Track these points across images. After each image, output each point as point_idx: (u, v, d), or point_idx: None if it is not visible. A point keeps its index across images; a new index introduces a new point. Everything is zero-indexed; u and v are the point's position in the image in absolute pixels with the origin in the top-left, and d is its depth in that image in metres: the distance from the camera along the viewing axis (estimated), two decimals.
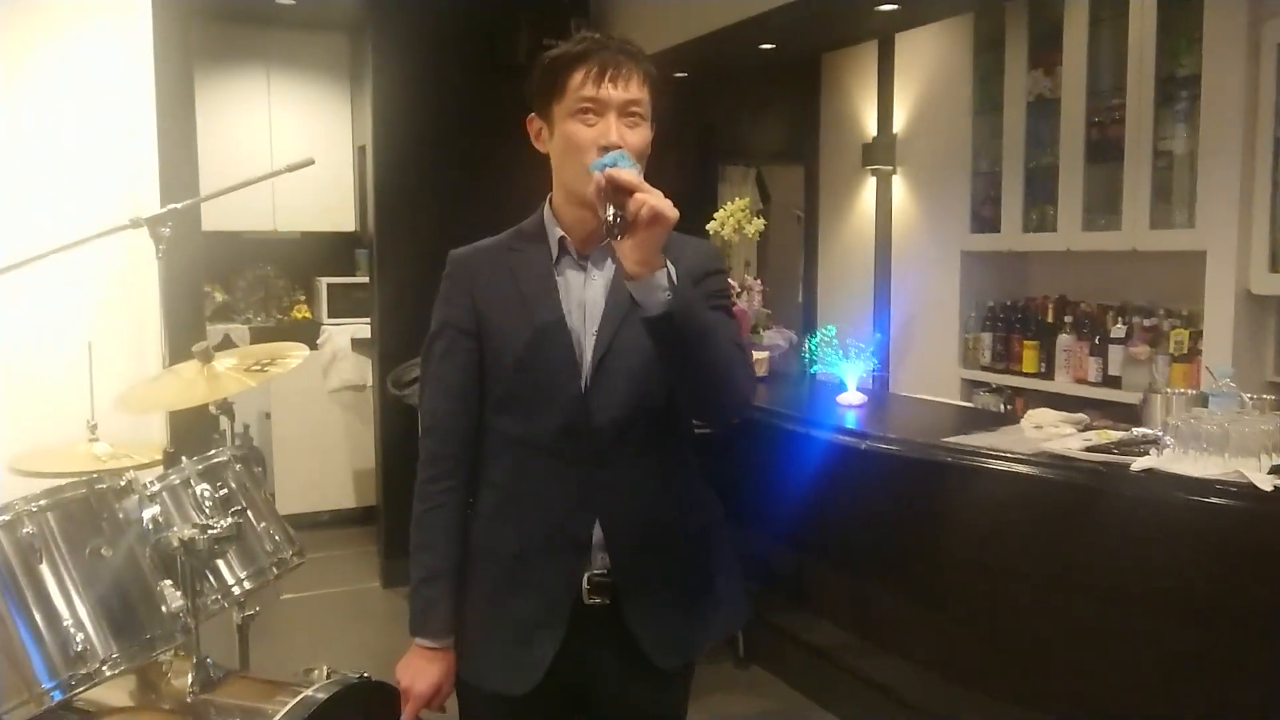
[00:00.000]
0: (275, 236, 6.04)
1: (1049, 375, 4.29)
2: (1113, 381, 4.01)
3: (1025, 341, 4.40)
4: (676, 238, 1.64)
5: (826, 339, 3.54)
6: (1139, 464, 2.48)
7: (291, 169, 2.71)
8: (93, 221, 2.45)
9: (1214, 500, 2.32)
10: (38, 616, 1.54)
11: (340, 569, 5.09)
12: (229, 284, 6.11)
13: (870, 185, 5.25)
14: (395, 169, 4.66)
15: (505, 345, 1.59)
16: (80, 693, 1.57)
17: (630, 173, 1.40)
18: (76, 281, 2.75)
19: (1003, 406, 4.40)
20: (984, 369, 4.61)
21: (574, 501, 1.57)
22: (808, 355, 3.62)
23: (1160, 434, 2.56)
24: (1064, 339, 4.22)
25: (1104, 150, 3.98)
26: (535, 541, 1.58)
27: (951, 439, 2.90)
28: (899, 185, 5.09)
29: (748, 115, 5.64)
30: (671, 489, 1.65)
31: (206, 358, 2.29)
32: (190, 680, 1.80)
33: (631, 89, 1.55)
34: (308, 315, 6.15)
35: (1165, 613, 2.58)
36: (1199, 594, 2.52)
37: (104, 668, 1.57)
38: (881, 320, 5.19)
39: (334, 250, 6.20)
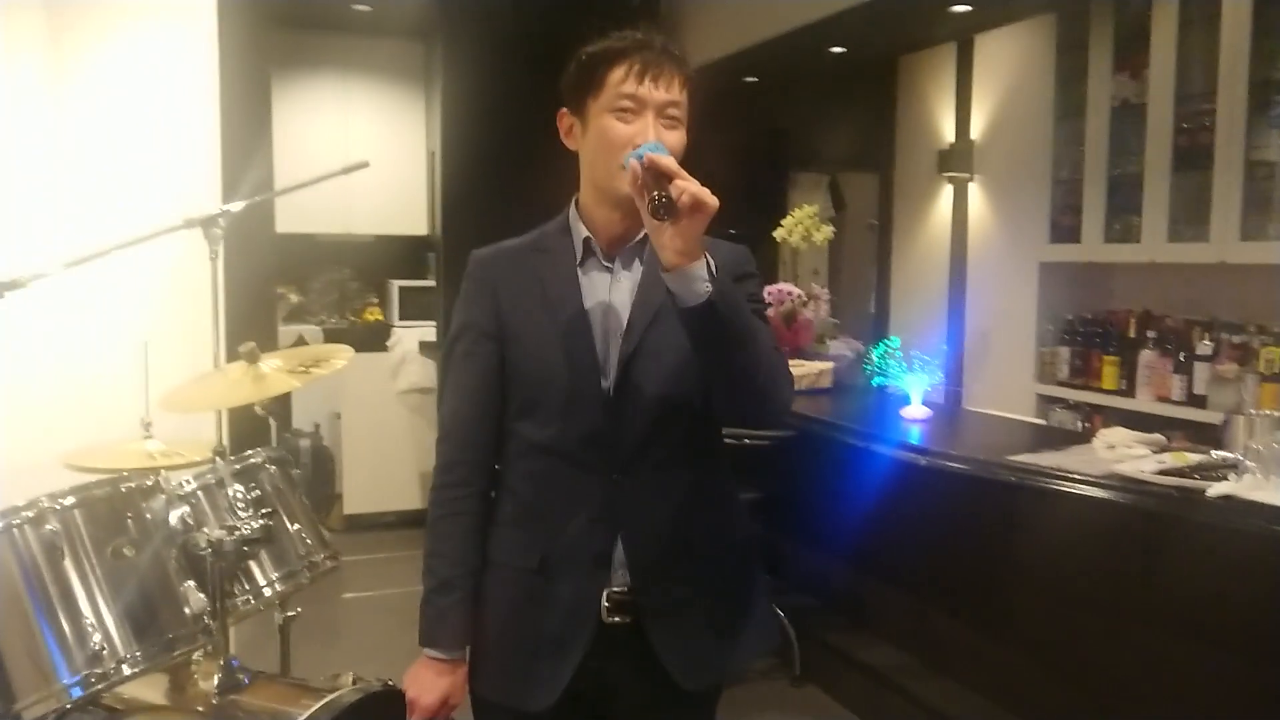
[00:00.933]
0: (349, 239, 6.13)
1: (1129, 393, 4.09)
2: (1197, 401, 3.80)
3: (1105, 357, 4.21)
4: (709, 241, 1.58)
5: (890, 351, 3.42)
6: (1215, 490, 2.33)
7: (346, 171, 2.72)
8: (155, 222, 2.49)
9: None
10: (60, 613, 1.55)
11: (403, 570, 5.12)
12: (303, 286, 6.22)
13: (946, 193, 5.09)
14: (462, 173, 4.68)
15: (527, 348, 1.55)
16: (100, 690, 1.57)
17: (670, 159, 1.37)
18: (135, 281, 2.80)
19: (1079, 424, 4.21)
20: (1061, 384, 4.42)
21: (595, 513, 1.52)
22: (871, 367, 3.51)
23: (1241, 458, 2.41)
24: (1146, 355, 4.02)
25: (1192, 158, 3.79)
26: (555, 554, 1.53)
27: (1017, 458, 2.78)
28: (975, 193, 4.93)
29: (821, 121, 5.54)
30: (700, 503, 1.58)
31: (253, 358, 2.30)
32: (216, 682, 1.78)
33: (673, 90, 1.50)
34: (379, 317, 6.23)
35: (1242, 650, 2.42)
36: (1272, 628, 2.36)
37: (123, 666, 1.57)
38: (955, 332, 5.03)
39: (406, 253, 6.28)
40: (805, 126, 5.46)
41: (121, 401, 2.65)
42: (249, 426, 2.84)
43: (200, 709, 1.79)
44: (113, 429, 2.66)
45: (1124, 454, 2.73)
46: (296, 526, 1.99)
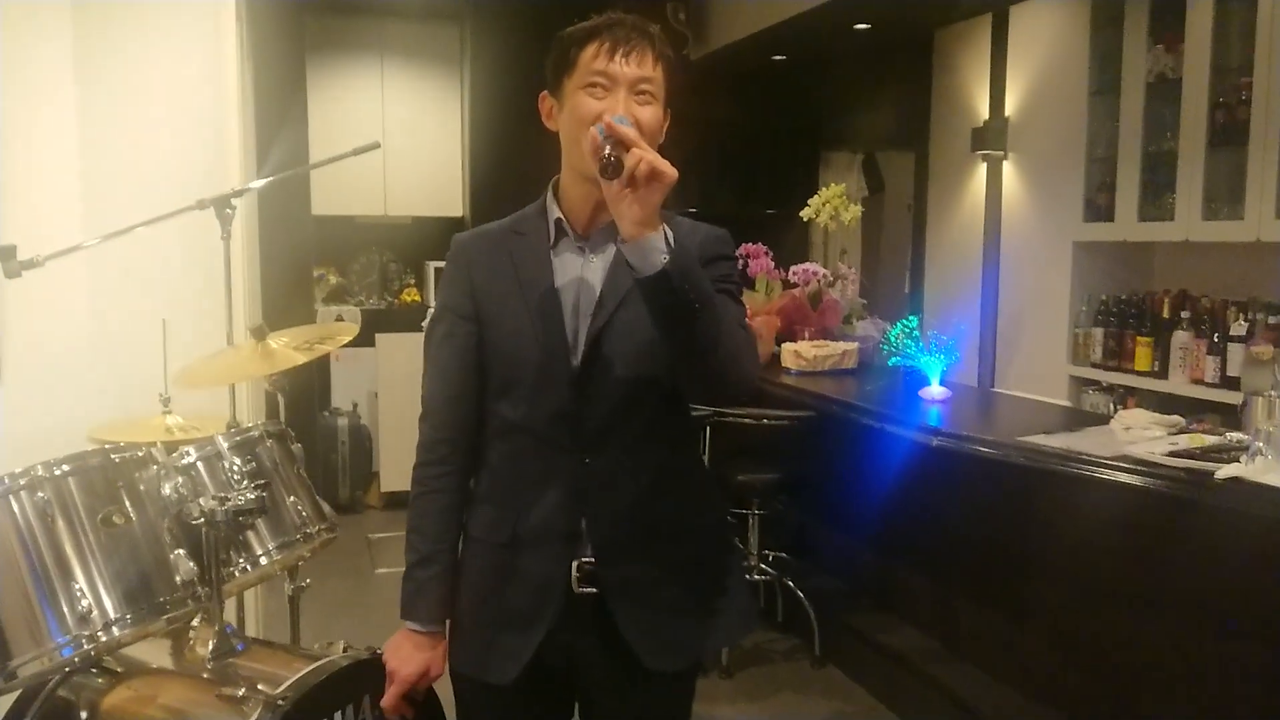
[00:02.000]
0: (387, 221, 6.21)
1: (1163, 374, 4.01)
2: (1231, 383, 3.71)
3: (1139, 338, 4.12)
4: (688, 223, 1.60)
5: (908, 331, 3.39)
6: (1223, 472, 2.28)
7: (357, 152, 2.76)
8: (177, 203, 2.56)
9: None
10: (53, 576, 1.61)
11: None
12: (343, 267, 6.32)
13: (981, 171, 5.01)
14: (491, 156, 4.72)
15: (502, 329, 1.57)
16: (89, 650, 1.63)
17: (630, 130, 1.37)
18: (156, 260, 2.87)
19: (1112, 407, 4.14)
20: (1094, 366, 4.34)
21: (564, 491, 1.54)
22: (888, 348, 3.48)
23: (1253, 440, 2.35)
24: (1180, 336, 3.93)
25: (1229, 134, 3.69)
26: (526, 530, 1.55)
27: (1029, 439, 2.74)
28: (1010, 171, 4.85)
29: (854, 99, 5.47)
30: (668, 483, 1.59)
31: (260, 335, 2.35)
32: (211, 647, 1.84)
33: (645, 67, 1.51)
34: (417, 298, 6.31)
35: (1256, 635, 2.37)
36: None
37: (113, 628, 1.63)
38: (988, 313, 4.96)
39: (443, 235, 6.24)
40: (838, 105, 5.40)
41: (144, 378, 2.74)
42: (301, 402, 2.90)
43: (196, 672, 1.85)
44: (136, 404, 2.74)
45: (1138, 436, 2.68)
46: (293, 499, 2.04)
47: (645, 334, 1.47)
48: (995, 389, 4.74)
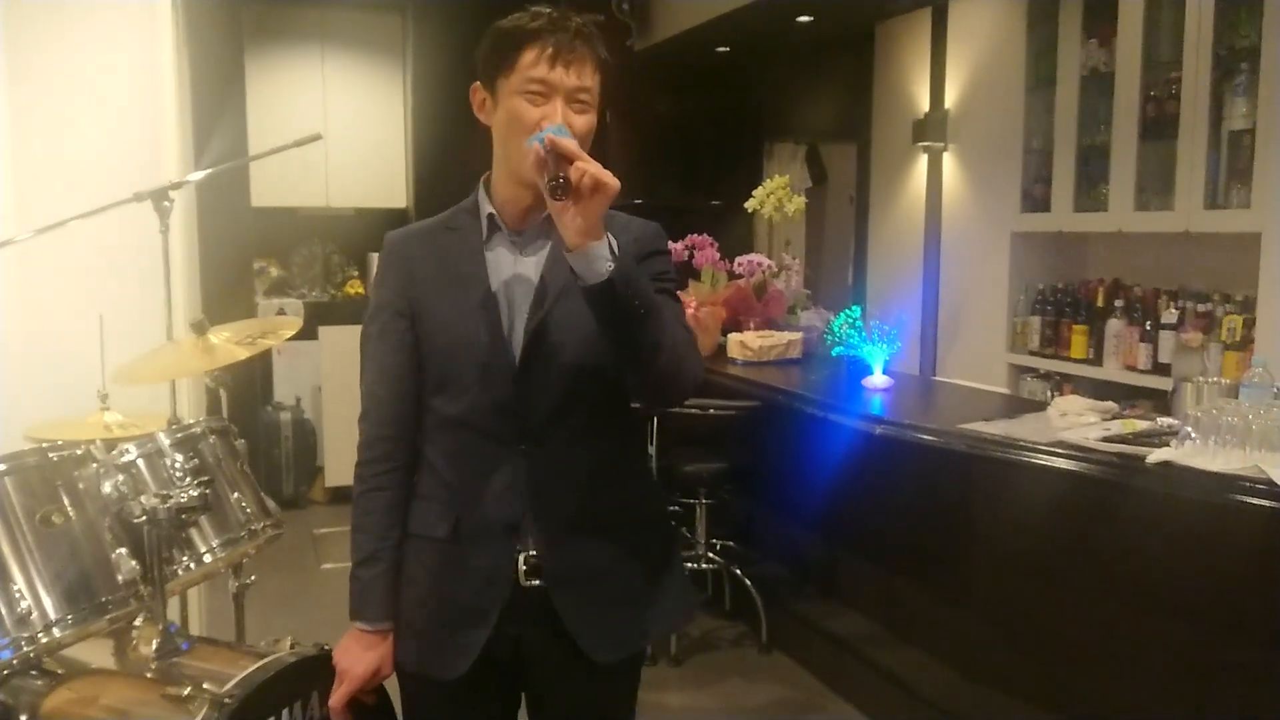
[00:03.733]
0: (329, 213, 6.13)
1: (1098, 361, 4.11)
2: (1163, 369, 3.81)
3: (1075, 326, 4.22)
4: (621, 217, 1.60)
5: (850, 321, 3.44)
6: (1154, 456, 2.35)
7: (298, 144, 2.73)
8: (113, 196, 2.51)
9: (1233, 497, 2.19)
10: None
11: None
12: (285, 260, 6.23)
13: (922, 163, 5.09)
14: (434, 146, 4.69)
15: (438, 325, 1.56)
16: (29, 652, 1.60)
17: (571, 142, 1.38)
18: (93, 255, 2.81)
19: (1049, 394, 4.23)
20: (1032, 354, 4.44)
21: (506, 485, 1.54)
22: (831, 337, 3.53)
23: (1182, 425, 2.43)
24: (1114, 324, 4.04)
25: (1159, 126, 3.78)
26: (468, 523, 1.55)
27: (968, 426, 2.80)
28: (950, 163, 4.93)
29: (798, 91, 5.52)
30: (609, 477, 1.60)
31: (201, 330, 2.32)
32: (155, 646, 1.82)
33: (584, 76, 1.51)
34: (360, 290, 6.24)
35: (1185, 614, 2.45)
36: (1218, 595, 2.39)
37: (54, 630, 1.61)
38: (929, 303, 5.04)
39: (386, 226, 6.14)
40: (781, 97, 5.44)
41: (81, 375, 2.69)
42: (245, 397, 2.85)
43: (140, 672, 1.82)
44: (74, 402, 2.69)
45: (1074, 422, 2.75)
46: (237, 495, 2.02)
47: (583, 328, 1.48)
48: (936, 377, 4.82)
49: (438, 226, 1.64)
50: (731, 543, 4.03)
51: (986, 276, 4.65)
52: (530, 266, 1.57)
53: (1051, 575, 2.79)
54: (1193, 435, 2.36)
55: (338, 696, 1.59)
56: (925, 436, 2.84)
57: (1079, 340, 4.19)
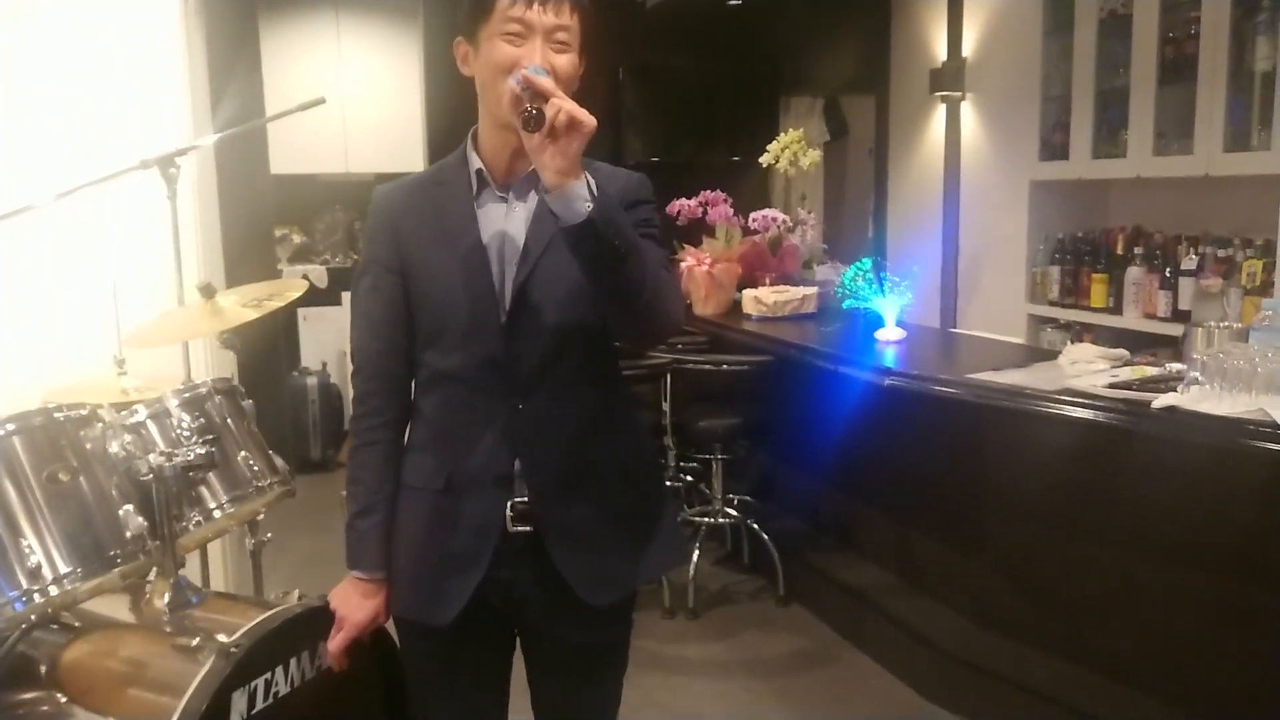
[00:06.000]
0: (348, 179, 6.17)
1: (1117, 310, 4.07)
2: (1183, 316, 3.77)
3: (1094, 275, 4.18)
4: (607, 169, 1.61)
5: (861, 273, 3.43)
6: (1160, 401, 2.34)
7: (302, 108, 2.73)
8: (125, 163, 2.54)
9: (1238, 440, 2.17)
10: (1, 533, 1.63)
11: None
12: (307, 226, 6.29)
13: (940, 113, 5.02)
14: (450, 109, 4.68)
15: (427, 280, 1.58)
16: (42, 604, 1.66)
17: (547, 79, 1.39)
18: (106, 220, 2.86)
19: (1069, 344, 4.20)
20: (1051, 304, 4.40)
21: (497, 436, 1.56)
22: (842, 290, 3.52)
23: (1188, 369, 2.41)
24: (1134, 271, 3.99)
25: (1178, 69, 3.71)
26: (460, 475, 1.58)
27: (977, 375, 2.79)
28: (968, 113, 4.86)
29: (814, 43, 5.45)
30: (597, 426, 1.62)
31: (209, 293, 2.36)
32: (166, 599, 1.88)
33: (562, 15, 1.50)
34: None
35: (1194, 559, 2.45)
36: (1227, 540, 2.38)
37: (64, 582, 1.66)
38: (948, 254, 5.00)
39: None
40: (797, 50, 5.37)
41: (98, 341, 2.75)
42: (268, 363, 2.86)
43: (153, 624, 1.88)
44: (92, 368, 2.75)
45: (1083, 370, 2.74)
46: (244, 453, 2.06)
47: (571, 280, 1.49)
48: (956, 329, 4.79)
49: (427, 181, 1.66)
50: (749, 498, 4.05)
51: (1005, 227, 4.61)
52: (518, 221, 1.58)
53: (1062, 523, 2.78)
54: (1200, 379, 2.35)
55: (336, 642, 1.64)
56: (933, 387, 2.83)
57: (1098, 289, 4.15)
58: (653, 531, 1.67)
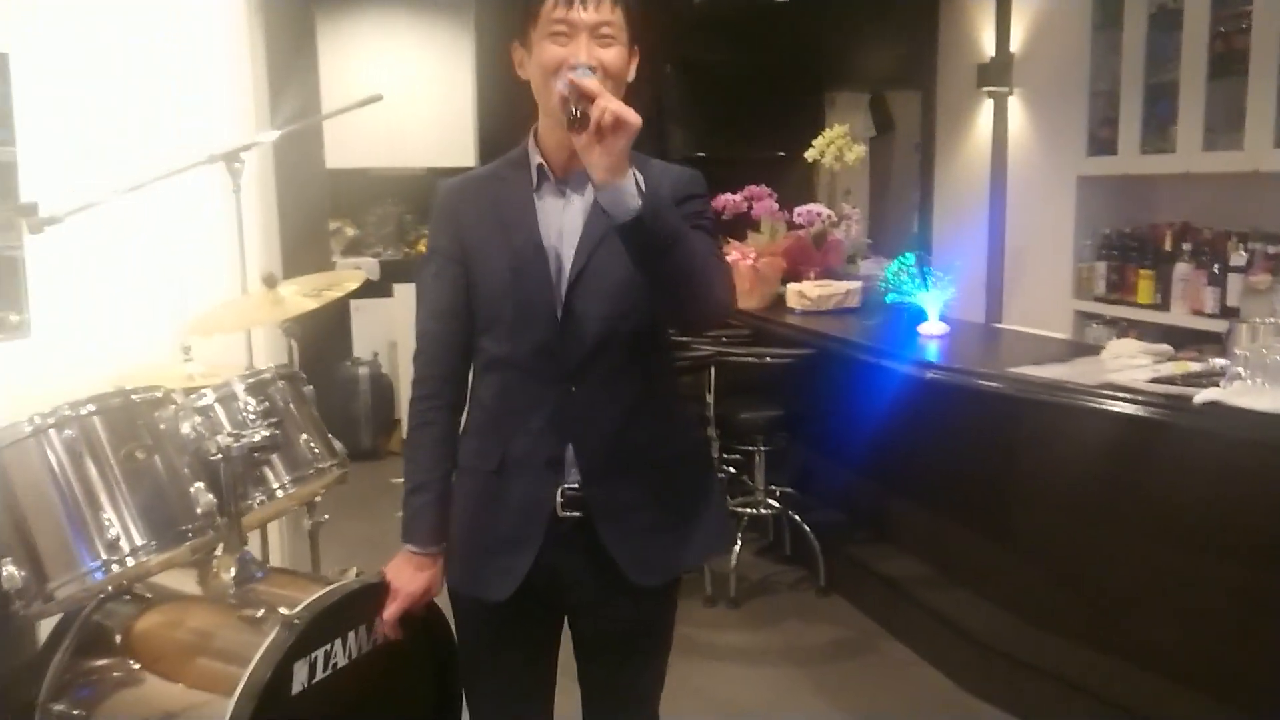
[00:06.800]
0: (400, 173, 6.30)
1: (1164, 307, 4.05)
2: (1231, 313, 3.74)
3: (1141, 271, 4.16)
4: (661, 165, 1.67)
5: (904, 268, 3.46)
6: (1201, 396, 2.35)
7: (360, 105, 2.85)
8: (192, 158, 2.65)
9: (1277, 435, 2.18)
10: (82, 507, 1.75)
11: None
12: (359, 219, 6.42)
13: (987, 109, 5.02)
14: (500, 105, 4.77)
15: (488, 269, 1.65)
16: (119, 574, 1.77)
17: (592, 80, 1.44)
18: (175, 213, 2.97)
19: (1111, 340, 4.19)
20: (1098, 300, 4.39)
21: (548, 420, 1.63)
22: (885, 285, 3.55)
23: (1230, 364, 2.42)
24: (1181, 268, 3.97)
25: (1228, 63, 3.68)
26: (513, 458, 1.65)
27: (1017, 369, 2.82)
28: (1016, 108, 4.85)
29: (859, 38, 5.46)
30: (646, 412, 1.68)
31: (271, 283, 2.46)
32: (233, 573, 1.98)
33: (603, 11, 1.56)
34: None
35: (1232, 554, 2.46)
36: (1266, 535, 2.39)
37: (139, 554, 1.77)
38: (995, 249, 5.00)
39: None
40: (843, 45, 5.39)
41: (166, 329, 2.87)
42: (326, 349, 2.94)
43: (220, 597, 1.98)
44: (160, 354, 2.87)
45: (1125, 364, 2.75)
46: (305, 436, 2.16)
47: (622, 272, 1.56)
48: (1001, 325, 4.79)
49: (489, 175, 1.73)
50: (790, 489, 4.10)
51: (1052, 222, 4.60)
52: (576, 213, 1.65)
53: (1099, 517, 2.80)
54: (1243, 375, 2.36)
55: (390, 612, 1.73)
56: (975, 381, 2.86)
57: (1145, 285, 4.14)
58: (699, 517, 1.73)
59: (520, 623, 1.72)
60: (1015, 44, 4.80)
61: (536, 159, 1.67)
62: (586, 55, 1.53)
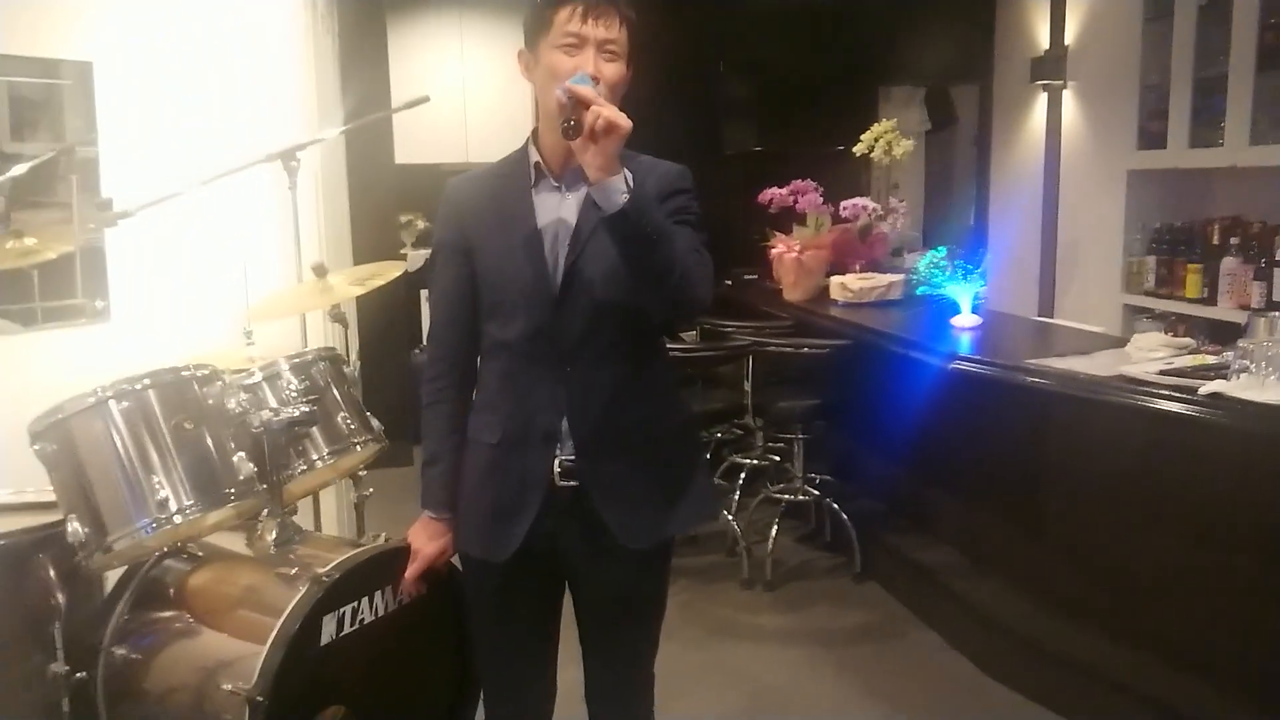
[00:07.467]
0: (468, 168, 6.45)
1: (1211, 301, 4.03)
2: (1278, 308, 3.72)
3: (1189, 265, 4.14)
4: (650, 161, 1.81)
5: (936, 261, 3.52)
6: (1206, 388, 2.40)
7: (409, 105, 3.02)
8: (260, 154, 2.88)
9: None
10: (137, 470, 1.97)
11: None
12: (430, 213, 6.66)
13: (1041, 102, 5.01)
14: None
15: (490, 259, 1.81)
16: (169, 533, 1.99)
17: (588, 89, 1.59)
18: (240, 207, 3.21)
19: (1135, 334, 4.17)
20: (1146, 294, 4.37)
21: (546, 398, 1.78)
22: (917, 278, 3.62)
23: (1235, 357, 2.45)
24: (1228, 262, 3.94)
25: (1276, 56, 3.65)
26: (513, 432, 1.81)
27: (1036, 361, 2.88)
28: (1069, 101, 4.84)
29: (915, 32, 5.48)
30: (636, 391, 1.81)
31: (321, 273, 2.66)
32: (274, 535, 2.18)
33: (611, 29, 1.72)
34: None
35: (1243, 545, 2.50)
36: (1268, 524, 2.42)
37: (186, 513, 1.98)
38: (1048, 244, 4.99)
39: None
40: (897, 40, 5.42)
41: (230, 315, 3.11)
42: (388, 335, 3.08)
43: (263, 557, 2.19)
44: (224, 339, 3.11)
45: (1143, 357, 2.79)
46: (343, 414, 2.35)
47: (613, 262, 1.70)
48: (1052, 318, 4.79)
49: (491, 173, 1.90)
50: (830, 477, 4.19)
51: (1102, 216, 4.59)
52: (571, 208, 1.79)
53: (1118, 506, 2.85)
54: (1250, 367, 2.39)
55: (410, 570, 1.92)
56: (992, 371, 2.93)
57: (1193, 279, 4.12)
58: (684, 488, 1.87)
59: (523, 584, 1.87)
60: (1069, 37, 4.78)
61: (534, 157, 1.82)
62: (593, 68, 1.67)
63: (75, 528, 1.95)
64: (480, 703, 2.10)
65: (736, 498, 4.31)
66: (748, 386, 3.86)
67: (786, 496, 4.13)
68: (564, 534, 1.82)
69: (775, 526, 4.04)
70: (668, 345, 2.04)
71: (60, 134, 3.04)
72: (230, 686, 1.91)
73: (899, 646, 3.48)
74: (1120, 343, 3.12)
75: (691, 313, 1.76)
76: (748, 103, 5.72)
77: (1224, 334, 3.59)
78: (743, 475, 4.41)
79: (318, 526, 2.98)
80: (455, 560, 1.99)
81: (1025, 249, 5.07)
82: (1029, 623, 3.15)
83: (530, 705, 1.96)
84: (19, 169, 2.99)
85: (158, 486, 1.94)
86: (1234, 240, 3.94)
